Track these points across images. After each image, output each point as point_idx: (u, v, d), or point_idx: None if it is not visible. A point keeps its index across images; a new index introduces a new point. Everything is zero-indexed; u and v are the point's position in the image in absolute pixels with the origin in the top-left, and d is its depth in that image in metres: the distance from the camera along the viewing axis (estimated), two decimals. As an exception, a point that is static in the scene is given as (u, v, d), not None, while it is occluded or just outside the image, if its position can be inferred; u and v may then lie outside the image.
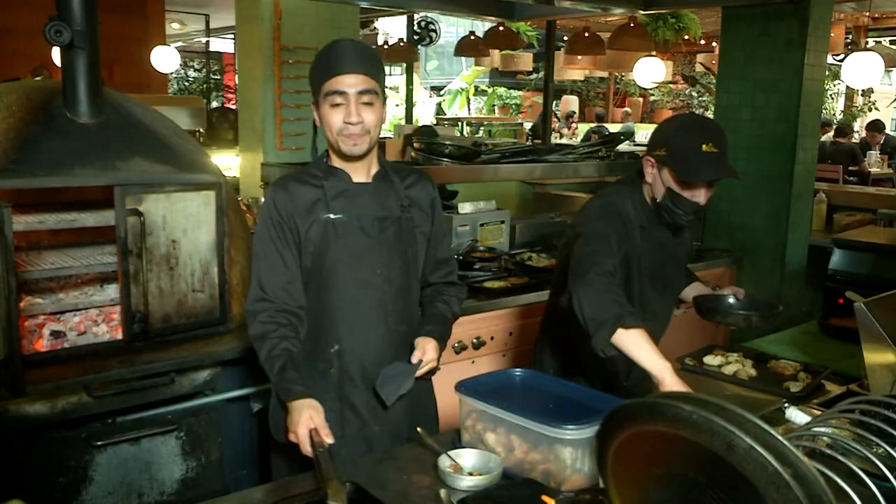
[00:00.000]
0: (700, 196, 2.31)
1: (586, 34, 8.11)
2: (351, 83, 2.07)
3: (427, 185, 2.33)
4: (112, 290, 2.82)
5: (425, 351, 2.15)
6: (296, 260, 2.16)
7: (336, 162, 2.21)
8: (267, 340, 2.09)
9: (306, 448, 1.91)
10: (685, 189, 2.30)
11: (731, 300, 2.70)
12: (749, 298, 2.73)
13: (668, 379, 2.01)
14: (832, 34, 5.24)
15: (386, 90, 2.21)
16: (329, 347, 2.20)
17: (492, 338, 3.72)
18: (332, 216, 2.15)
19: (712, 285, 2.83)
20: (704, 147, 2.25)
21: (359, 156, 2.15)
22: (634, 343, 2.06)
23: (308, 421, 1.93)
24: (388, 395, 2.12)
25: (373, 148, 2.18)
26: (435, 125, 13.67)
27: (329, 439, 1.90)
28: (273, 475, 2.34)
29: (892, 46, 11.57)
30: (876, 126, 11.23)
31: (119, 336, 2.74)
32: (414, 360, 2.14)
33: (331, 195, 2.16)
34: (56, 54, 5.48)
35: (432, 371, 2.24)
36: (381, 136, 2.44)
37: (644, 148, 2.62)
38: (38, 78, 6.84)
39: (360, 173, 2.21)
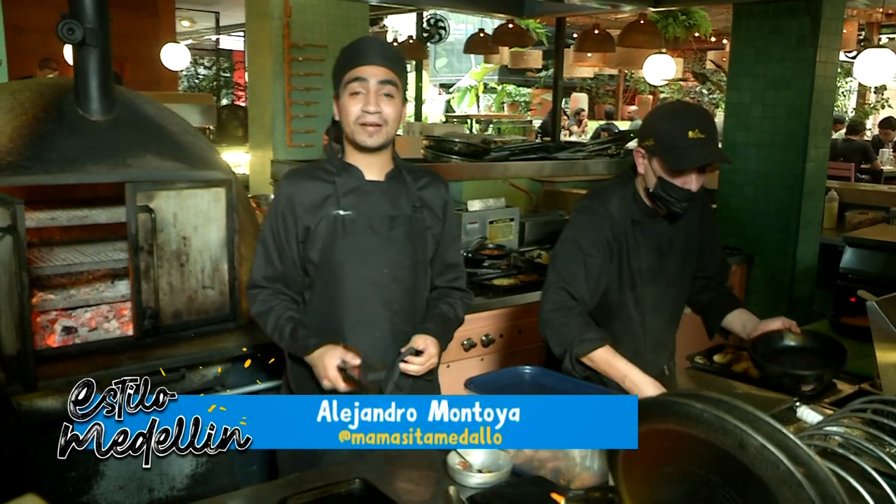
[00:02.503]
0: (691, 183, 2.30)
1: (596, 31, 8.09)
2: (373, 73, 2.08)
3: (441, 187, 2.32)
4: (123, 287, 2.83)
5: (426, 346, 2.12)
6: (294, 254, 2.19)
7: (350, 158, 2.20)
8: (272, 313, 2.18)
9: (341, 384, 2.00)
10: (676, 177, 2.29)
11: (789, 341, 2.55)
12: (807, 334, 2.59)
13: (629, 382, 2.22)
14: (844, 31, 5.21)
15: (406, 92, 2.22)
16: None
17: (501, 335, 3.72)
18: (341, 212, 2.14)
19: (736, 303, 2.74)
20: (691, 134, 2.24)
21: (374, 148, 2.13)
22: (595, 365, 2.29)
23: (332, 362, 2.02)
24: (383, 383, 2.09)
25: (389, 143, 2.17)
26: (444, 122, 13.71)
27: (354, 360, 2.01)
28: (280, 470, 2.35)
29: (905, 43, 11.49)
30: (889, 123, 11.14)
31: (130, 332, 2.75)
32: (403, 349, 2.10)
33: (342, 191, 2.16)
34: (68, 52, 5.49)
35: (432, 371, 2.21)
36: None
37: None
38: (46, 71, 6.87)
39: (374, 171, 2.20)
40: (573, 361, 2.29)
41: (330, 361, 2.03)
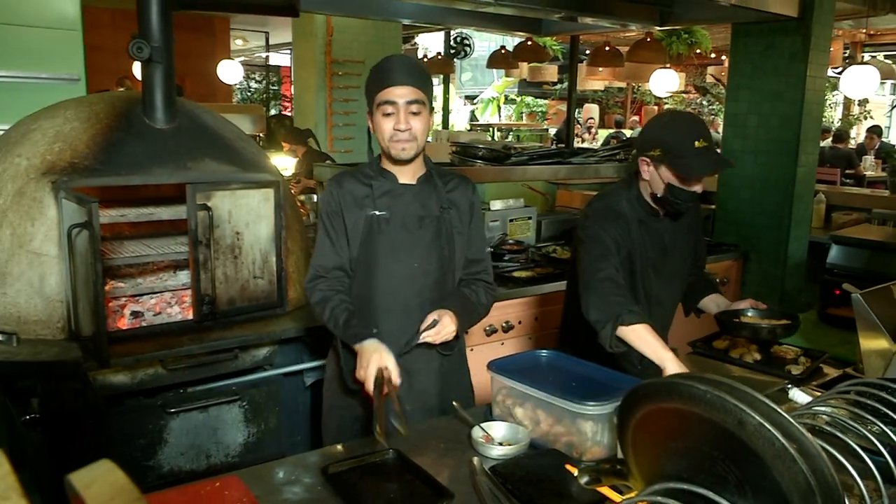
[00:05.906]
0: (698, 187, 2.32)
1: (607, 48, 8.03)
2: (400, 94, 2.07)
3: (468, 189, 2.29)
4: (184, 276, 2.86)
5: (441, 317, 2.08)
6: (344, 246, 2.18)
7: (386, 164, 2.20)
8: (329, 302, 2.13)
9: (370, 386, 1.91)
10: (684, 183, 2.29)
11: (751, 313, 2.61)
12: (770, 309, 2.64)
13: (669, 367, 2.03)
14: (832, 49, 5.13)
15: (433, 101, 2.20)
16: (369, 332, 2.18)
17: (520, 322, 3.71)
18: (377, 213, 2.15)
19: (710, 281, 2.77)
20: (697, 144, 2.23)
21: (407, 160, 2.14)
22: (636, 337, 2.10)
23: (378, 360, 1.94)
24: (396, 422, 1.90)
25: (420, 153, 2.17)
26: (469, 130, 13.68)
27: (397, 379, 1.92)
28: (323, 438, 2.36)
29: (886, 61, 11.34)
30: (874, 130, 11.09)
31: (190, 316, 2.78)
32: (422, 325, 2.09)
33: (378, 193, 2.16)
34: (137, 68, 5.53)
35: (450, 346, 2.19)
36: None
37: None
38: (121, 89, 6.94)
39: (407, 175, 2.20)
40: (613, 331, 2.12)
41: (374, 361, 1.94)
